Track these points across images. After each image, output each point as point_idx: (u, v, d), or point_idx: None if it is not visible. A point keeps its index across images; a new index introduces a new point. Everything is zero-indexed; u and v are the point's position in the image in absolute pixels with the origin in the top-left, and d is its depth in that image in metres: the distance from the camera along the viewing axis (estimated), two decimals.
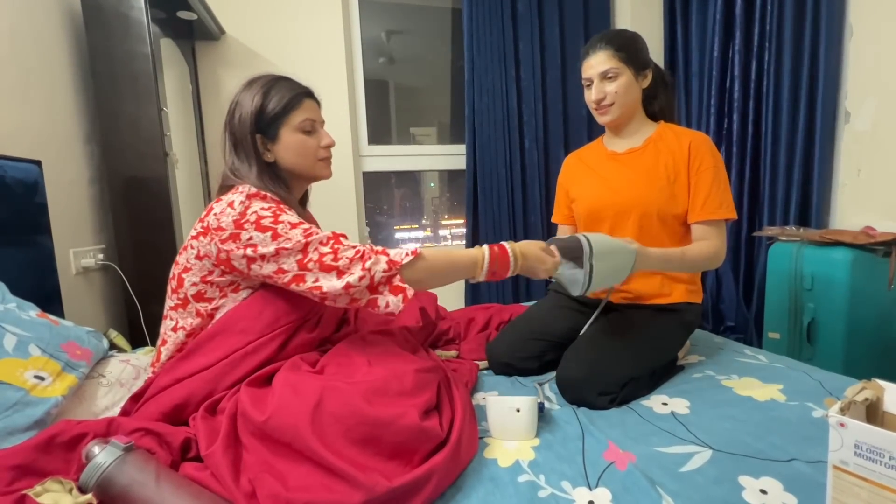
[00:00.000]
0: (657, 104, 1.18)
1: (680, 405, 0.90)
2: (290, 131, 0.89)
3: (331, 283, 0.75)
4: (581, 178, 1.23)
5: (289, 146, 0.89)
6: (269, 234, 0.77)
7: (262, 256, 0.77)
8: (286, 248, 0.76)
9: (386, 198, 2.58)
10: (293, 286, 0.78)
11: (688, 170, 1.07)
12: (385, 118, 2.48)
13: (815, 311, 1.56)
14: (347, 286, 0.75)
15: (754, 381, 0.97)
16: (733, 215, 1.07)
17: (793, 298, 1.62)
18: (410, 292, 0.79)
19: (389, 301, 0.77)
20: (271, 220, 0.79)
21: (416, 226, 2.65)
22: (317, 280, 0.76)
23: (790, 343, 1.64)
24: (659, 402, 0.91)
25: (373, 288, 0.78)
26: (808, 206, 1.86)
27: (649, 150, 1.12)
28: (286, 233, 0.78)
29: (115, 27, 1.39)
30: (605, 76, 1.08)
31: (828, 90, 1.77)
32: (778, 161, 1.92)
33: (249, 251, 0.77)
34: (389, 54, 2.47)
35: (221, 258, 0.80)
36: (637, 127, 1.16)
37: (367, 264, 0.76)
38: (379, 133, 2.36)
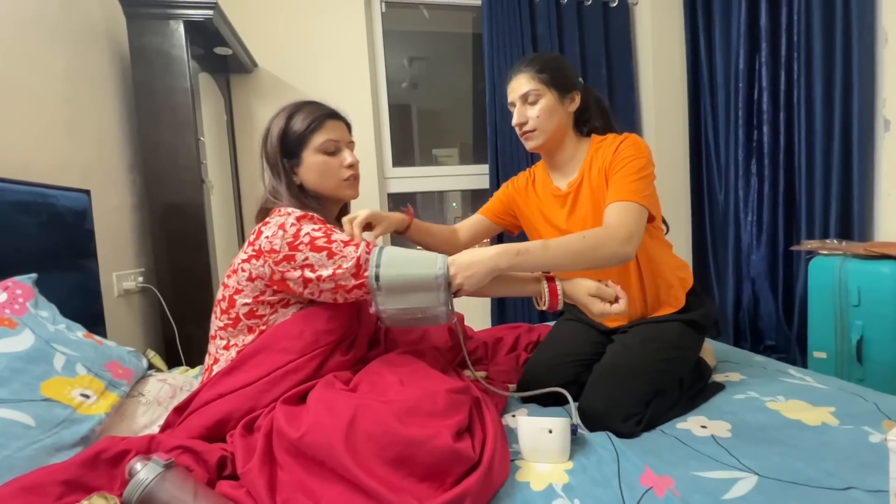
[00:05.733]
0: (589, 127, 1.13)
1: (721, 428, 0.85)
2: (311, 153, 0.91)
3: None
4: (533, 219, 1.19)
5: (311, 167, 0.92)
6: (324, 253, 0.79)
7: (319, 278, 0.79)
8: (343, 269, 0.79)
9: None
10: (355, 292, 0.81)
11: (610, 174, 1.02)
12: (408, 141, 2.53)
13: (864, 329, 1.47)
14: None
15: (803, 404, 0.92)
16: (638, 200, 0.94)
17: (838, 315, 1.54)
18: None
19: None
20: (325, 240, 0.81)
21: None
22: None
23: (838, 362, 1.55)
24: (697, 425, 0.87)
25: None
26: (850, 218, 1.78)
27: (585, 181, 1.07)
28: (341, 251, 0.80)
29: (158, 64, 1.49)
30: (527, 99, 1.05)
31: (864, 98, 1.71)
32: (814, 172, 1.86)
33: (308, 272, 0.80)
34: (412, 79, 2.54)
35: (275, 279, 0.82)
36: (571, 153, 1.11)
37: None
38: (402, 155, 2.41)
